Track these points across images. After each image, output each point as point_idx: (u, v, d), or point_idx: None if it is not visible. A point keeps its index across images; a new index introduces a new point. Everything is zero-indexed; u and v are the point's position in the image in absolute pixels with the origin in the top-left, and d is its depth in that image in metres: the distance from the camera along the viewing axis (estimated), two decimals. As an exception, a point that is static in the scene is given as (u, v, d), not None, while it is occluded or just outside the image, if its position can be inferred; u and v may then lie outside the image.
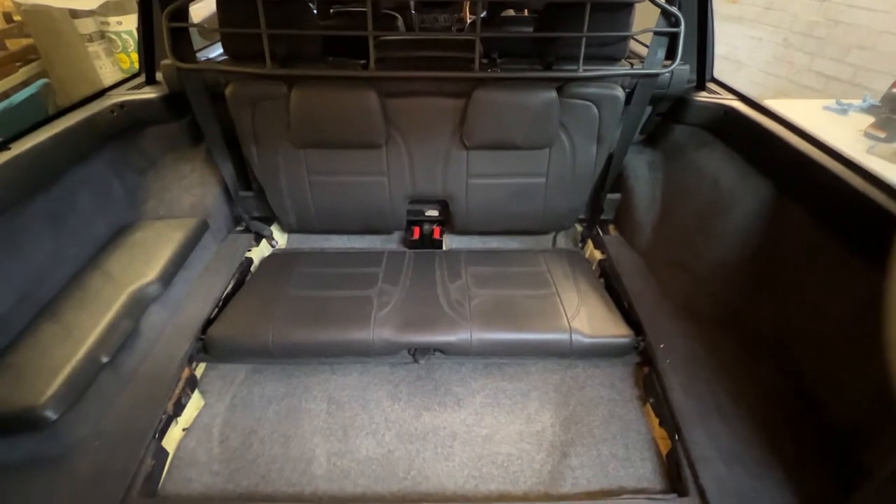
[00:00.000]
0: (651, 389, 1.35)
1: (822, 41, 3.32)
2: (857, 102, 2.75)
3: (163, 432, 1.22)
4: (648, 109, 1.79)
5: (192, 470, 1.23)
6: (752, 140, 1.50)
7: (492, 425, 1.34)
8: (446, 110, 1.61)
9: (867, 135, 2.43)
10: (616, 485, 1.18)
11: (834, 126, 2.59)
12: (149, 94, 1.69)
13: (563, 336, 1.39)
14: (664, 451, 1.24)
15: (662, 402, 1.27)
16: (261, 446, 1.29)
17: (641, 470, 1.21)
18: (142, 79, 1.78)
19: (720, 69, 1.79)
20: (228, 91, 1.55)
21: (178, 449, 1.27)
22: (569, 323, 1.42)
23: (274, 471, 1.23)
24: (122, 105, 1.63)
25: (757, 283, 1.38)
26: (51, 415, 1.07)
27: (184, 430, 1.31)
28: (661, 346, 1.39)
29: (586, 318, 1.44)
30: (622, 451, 1.26)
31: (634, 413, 1.36)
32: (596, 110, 1.57)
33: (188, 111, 1.70)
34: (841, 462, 1.04)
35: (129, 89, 1.71)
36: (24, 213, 1.31)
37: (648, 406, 1.35)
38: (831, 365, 1.16)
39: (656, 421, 1.30)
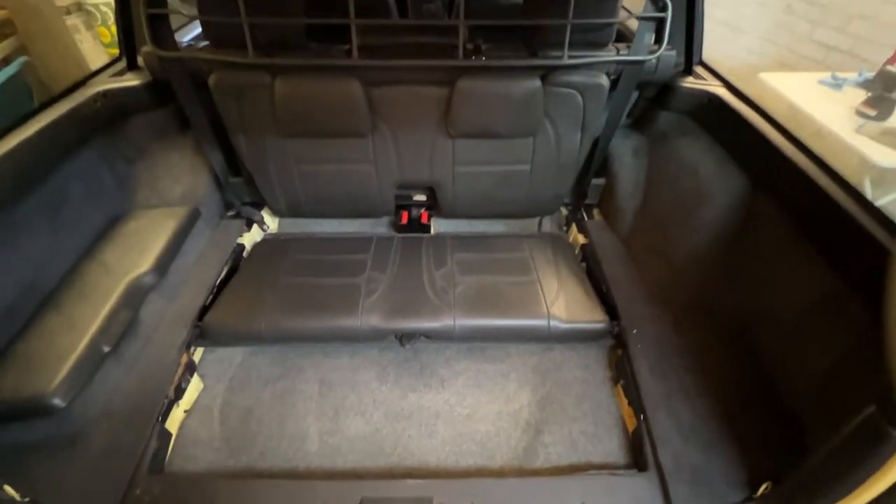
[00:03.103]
0: (622, 371, 1.44)
1: (825, 9, 3.22)
2: (852, 77, 2.71)
3: (165, 415, 1.31)
4: (635, 94, 1.78)
5: (196, 448, 1.33)
6: (731, 130, 1.51)
7: (472, 405, 1.44)
8: (431, 99, 1.60)
9: (858, 112, 2.42)
10: (584, 460, 1.29)
11: (827, 102, 2.57)
12: (131, 81, 1.68)
13: (542, 322, 1.46)
14: (631, 430, 1.34)
15: (631, 384, 1.36)
16: (258, 426, 1.39)
17: (609, 446, 1.32)
18: (123, 64, 1.76)
19: (720, 35, 1.77)
20: (212, 81, 1.55)
21: (181, 429, 1.37)
22: (547, 309, 1.49)
23: (271, 448, 1.34)
24: (104, 94, 1.62)
25: (728, 272, 1.44)
26: (59, 402, 1.15)
27: (185, 411, 1.41)
28: (634, 331, 1.46)
29: (564, 304, 1.51)
30: (592, 428, 1.36)
31: (606, 393, 1.46)
32: (580, 98, 1.57)
33: (173, 98, 1.69)
34: (790, 441, 1.14)
35: (111, 76, 1.70)
36: (21, 208, 1.35)
37: (619, 387, 1.45)
38: (788, 351, 1.24)
39: (625, 401, 1.40)
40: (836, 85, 2.69)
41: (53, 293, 1.39)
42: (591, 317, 1.50)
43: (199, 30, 2.05)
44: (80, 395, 1.23)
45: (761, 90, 2.78)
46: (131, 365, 1.39)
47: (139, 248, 1.56)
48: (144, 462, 1.18)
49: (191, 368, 1.47)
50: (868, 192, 2.33)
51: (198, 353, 1.57)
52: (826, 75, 2.77)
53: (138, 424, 1.24)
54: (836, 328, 1.09)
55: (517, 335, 1.52)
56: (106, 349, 1.31)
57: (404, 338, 1.53)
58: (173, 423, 1.35)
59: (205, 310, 1.56)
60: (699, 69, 1.74)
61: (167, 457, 1.29)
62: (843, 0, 3.09)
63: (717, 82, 1.65)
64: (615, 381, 1.48)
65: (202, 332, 1.51)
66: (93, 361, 1.27)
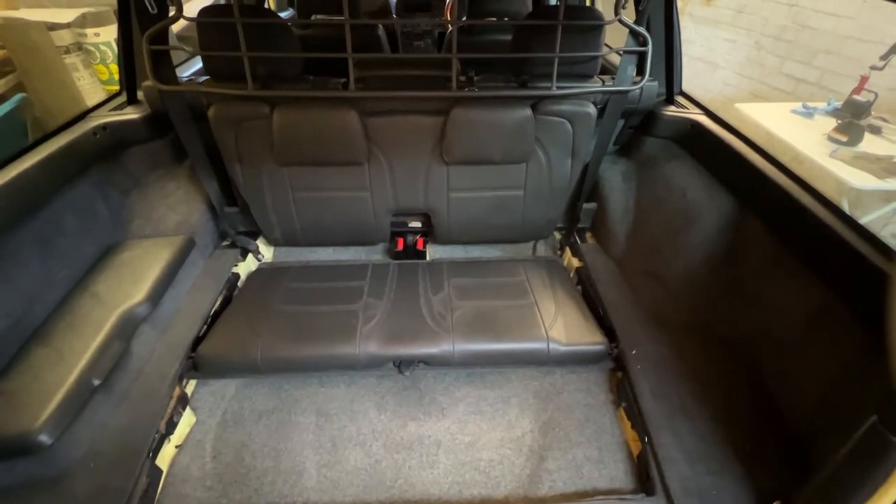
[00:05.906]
0: (623, 394, 1.43)
1: (792, 45, 3.44)
2: (822, 106, 2.87)
3: (156, 451, 1.26)
4: (621, 122, 1.86)
5: (187, 485, 1.27)
6: (715, 154, 1.58)
7: (474, 433, 1.41)
8: (426, 128, 1.65)
9: (830, 138, 2.55)
10: (590, 486, 1.26)
11: (801, 129, 2.70)
12: (131, 114, 1.71)
13: (541, 345, 1.46)
14: (635, 453, 1.32)
15: (633, 406, 1.35)
16: (252, 460, 1.34)
17: (614, 471, 1.29)
18: (123, 98, 1.79)
19: (697, 70, 1.87)
20: (211, 112, 1.58)
21: (171, 465, 1.31)
22: (546, 332, 1.49)
23: (266, 484, 1.28)
24: (104, 127, 1.64)
25: (721, 290, 1.47)
26: (45, 440, 1.10)
27: (176, 447, 1.35)
28: (633, 352, 1.47)
29: (563, 326, 1.51)
30: (596, 453, 1.34)
31: (609, 417, 1.44)
32: (569, 126, 1.64)
33: (171, 130, 1.72)
34: (794, 458, 1.13)
35: (110, 110, 1.73)
36: (12, 239, 1.33)
37: (621, 410, 1.43)
38: (786, 368, 1.25)
39: (628, 424, 1.38)
40: (808, 114, 2.84)
41: (43, 325, 1.36)
42: (590, 339, 1.50)
43: (196, 67, 2.10)
44: (67, 432, 1.18)
45: (739, 120, 2.92)
46: (121, 399, 1.34)
47: (132, 278, 1.54)
48: (133, 502, 1.12)
49: (183, 402, 1.42)
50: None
51: (190, 386, 1.52)
52: (798, 105, 2.93)
53: (127, 462, 1.19)
54: (830, 341, 1.11)
55: (517, 358, 1.50)
56: (95, 383, 1.27)
57: (403, 365, 1.51)
58: (164, 459, 1.29)
59: (198, 341, 1.52)
60: (680, 98, 1.83)
61: (157, 496, 1.23)
62: (808, 36, 3.31)
63: (698, 110, 1.74)
64: (617, 404, 1.47)
65: (195, 363, 1.47)
66: (81, 396, 1.22)
